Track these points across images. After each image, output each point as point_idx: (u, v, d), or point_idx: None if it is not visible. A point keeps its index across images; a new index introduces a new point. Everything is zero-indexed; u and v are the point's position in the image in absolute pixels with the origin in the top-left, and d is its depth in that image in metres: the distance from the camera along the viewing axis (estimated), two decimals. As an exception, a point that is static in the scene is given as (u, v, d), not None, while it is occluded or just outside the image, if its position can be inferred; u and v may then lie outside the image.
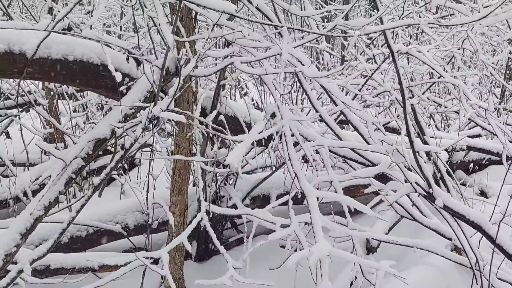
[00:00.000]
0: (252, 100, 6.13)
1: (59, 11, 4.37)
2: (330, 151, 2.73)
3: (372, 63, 4.02)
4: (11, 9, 4.85)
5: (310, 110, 4.41)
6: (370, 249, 3.01)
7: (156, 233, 3.24)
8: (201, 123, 2.35)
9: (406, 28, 4.68)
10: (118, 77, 1.74)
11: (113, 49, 2.53)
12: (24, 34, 1.96)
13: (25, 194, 3.56)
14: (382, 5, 3.00)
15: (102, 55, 2.23)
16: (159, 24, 2.87)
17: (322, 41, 3.50)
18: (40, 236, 2.73)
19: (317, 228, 1.82)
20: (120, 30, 4.52)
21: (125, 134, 1.98)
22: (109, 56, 1.73)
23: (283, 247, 3.07)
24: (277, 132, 2.11)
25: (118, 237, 3.12)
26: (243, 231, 3.51)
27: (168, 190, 3.10)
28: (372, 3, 9.16)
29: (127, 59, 2.16)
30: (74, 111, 4.71)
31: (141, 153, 4.40)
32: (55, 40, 2.08)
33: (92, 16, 4.41)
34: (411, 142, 2.41)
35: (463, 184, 4.26)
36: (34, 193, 3.61)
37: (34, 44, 1.95)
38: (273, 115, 2.57)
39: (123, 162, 2.20)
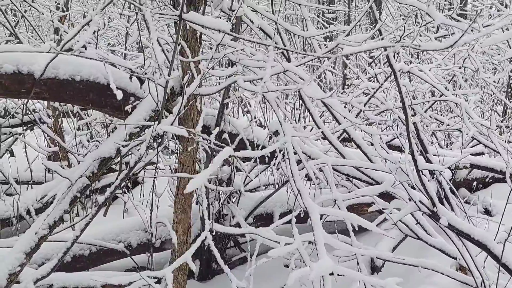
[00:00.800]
0: (255, 117, 6.16)
1: (65, 31, 4.45)
2: (333, 169, 2.74)
3: (374, 82, 4.06)
4: (18, 29, 4.93)
5: (312, 128, 4.43)
6: (374, 268, 2.99)
7: (159, 252, 3.22)
8: (204, 140, 2.36)
9: (408, 47, 4.73)
10: (119, 95, 1.76)
11: (119, 68, 2.57)
12: (32, 55, 2.00)
13: (28, 212, 3.57)
14: (380, 20, 3.05)
15: (108, 75, 2.26)
16: (166, 43, 2.92)
17: (324, 60, 3.54)
18: (43, 255, 2.72)
19: (320, 244, 1.81)
20: (125, 49, 4.58)
21: (130, 152, 2.00)
22: (111, 75, 1.76)
23: (287, 266, 3.06)
24: (280, 150, 2.12)
25: (121, 256, 3.10)
26: (246, 250, 3.49)
27: (171, 208, 3.09)
28: (374, 23, 9.28)
29: (130, 77, 2.19)
30: (78, 129, 4.74)
31: (144, 171, 4.41)
32: (63, 60, 2.12)
33: (97, 36, 4.48)
34: (415, 161, 2.42)
35: (467, 202, 4.24)
36: (37, 211, 3.62)
37: (42, 64, 1.98)
38: (276, 133, 2.59)
39: (127, 180, 2.21)
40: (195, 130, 1.90)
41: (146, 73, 1.96)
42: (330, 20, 7.22)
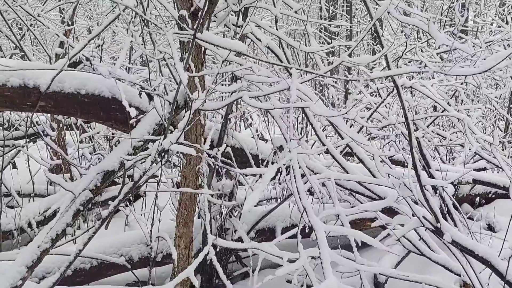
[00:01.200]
0: (257, 130, 6.18)
1: (70, 45, 4.49)
2: (336, 184, 2.74)
3: (376, 97, 4.07)
4: (23, 42, 4.98)
5: (315, 142, 4.43)
6: (377, 285, 2.96)
7: (161, 266, 3.20)
8: (208, 155, 2.37)
9: (409, 62, 4.76)
10: (133, 112, 1.77)
11: (123, 82, 2.59)
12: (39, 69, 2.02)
13: (29, 225, 3.55)
14: (384, 37, 3.07)
15: (113, 89, 2.28)
16: (170, 58, 2.94)
17: (326, 76, 3.56)
18: (44, 268, 2.70)
19: (326, 263, 1.80)
20: (129, 63, 4.62)
21: (133, 166, 2.00)
22: (122, 92, 1.76)
23: (289, 281, 3.03)
24: (284, 165, 2.12)
25: (122, 270, 3.08)
26: (248, 265, 3.46)
27: (172, 222, 3.08)
28: (375, 39, 9.36)
29: (140, 94, 2.20)
30: (81, 142, 4.75)
31: (146, 185, 4.40)
32: (68, 74, 2.14)
33: (101, 50, 4.52)
34: (418, 176, 2.42)
35: (470, 218, 4.22)
36: (39, 224, 3.60)
37: (48, 78, 2.00)
38: (280, 148, 2.59)
39: (130, 194, 2.21)
40: (202, 147, 1.91)
41: (155, 89, 1.97)
42: (332, 35, 7.28)
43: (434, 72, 2.03)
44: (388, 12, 1.98)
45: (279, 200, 3.61)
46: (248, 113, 5.45)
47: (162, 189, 2.87)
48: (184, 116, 2.22)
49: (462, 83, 3.95)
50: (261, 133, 6.53)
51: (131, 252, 3.10)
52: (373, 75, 1.95)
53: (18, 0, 4.38)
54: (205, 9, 1.75)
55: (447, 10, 7.08)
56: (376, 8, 2.27)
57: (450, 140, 4.45)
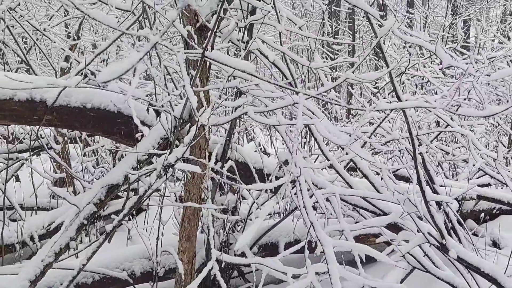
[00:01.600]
0: (259, 145, 6.19)
1: (75, 59, 4.54)
2: (340, 199, 2.73)
3: (379, 112, 4.08)
4: (29, 57, 5.03)
5: (318, 156, 4.44)
6: (382, 301, 2.92)
7: (162, 281, 3.17)
8: (212, 170, 2.37)
9: (412, 77, 4.79)
10: (145, 131, 1.75)
11: (125, 94, 2.61)
12: (45, 83, 2.04)
13: (31, 239, 3.54)
14: (387, 53, 3.09)
15: (118, 103, 2.30)
16: (174, 72, 2.97)
17: (330, 91, 3.58)
18: (46, 282, 2.67)
19: (334, 279, 1.78)
20: (133, 76, 4.65)
21: (138, 180, 2.00)
22: (133, 109, 1.76)
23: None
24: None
25: (124, 285, 3.05)
26: (250, 280, 3.43)
27: (175, 236, 3.06)
28: (378, 54, 9.43)
29: (147, 110, 2.22)
30: (84, 155, 4.76)
31: (149, 199, 4.40)
32: (75, 89, 2.16)
33: (107, 64, 4.56)
34: (423, 191, 2.41)
35: (475, 234, 4.18)
36: (41, 238, 3.59)
37: (55, 92, 2.02)
38: (285, 162, 2.60)
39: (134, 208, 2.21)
40: (207, 162, 1.91)
41: (163, 106, 1.99)
42: (334, 51, 7.33)
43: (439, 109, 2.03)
44: (392, 31, 2.00)
45: (282, 215, 3.59)
46: (251, 127, 5.48)
47: (165, 203, 2.87)
48: (188, 130, 2.23)
49: (465, 99, 3.97)
50: (263, 147, 6.53)
51: (133, 267, 3.08)
52: (379, 107, 1.96)
53: (25, 15, 4.44)
54: (214, 29, 1.77)
55: (448, 26, 7.14)
56: (380, 27, 2.30)
57: (454, 155, 4.44)
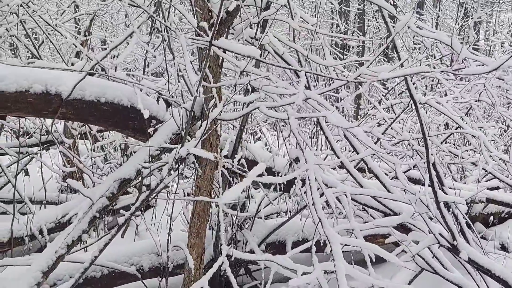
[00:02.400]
0: (266, 144, 6.19)
1: (86, 55, 4.56)
2: (351, 198, 2.72)
3: (389, 112, 4.07)
4: (40, 52, 5.07)
5: (327, 155, 4.42)
6: (390, 302, 2.91)
7: (171, 277, 3.18)
8: (223, 166, 2.38)
9: (423, 79, 4.76)
10: (146, 114, 1.78)
11: (140, 90, 2.61)
12: (61, 76, 2.05)
13: (40, 232, 3.56)
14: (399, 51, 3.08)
15: (132, 98, 2.31)
16: (185, 69, 2.97)
17: (341, 90, 3.58)
18: (55, 275, 2.69)
19: (340, 275, 1.78)
20: (143, 73, 4.67)
21: (151, 174, 2.01)
22: (140, 98, 1.78)
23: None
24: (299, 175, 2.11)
25: (132, 280, 3.06)
26: (257, 278, 3.43)
27: (183, 232, 3.07)
28: (387, 55, 9.40)
29: (158, 100, 2.22)
30: (93, 150, 4.78)
31: (157, 195, 4.41)
32: (89, 82, 2.17)
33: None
34: (435, 192, 2.40)
35: (483, 238, 4.16)
36: (50, 231, 3.61)
37: (70, 85, 2.03)
38: (296, 159, 2.59)
39: (146, 202, 2.22)
40: (220, 154, 1.92)
41: (173, 96, 1.99)
42: (344, 50, 7.32)
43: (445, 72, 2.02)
44: (409, 27, 2.00)
45: (289, 214, 3.58)
46: (258, 126, 5.48)
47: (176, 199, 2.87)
48: (200, 125, 2.23)
49: (476, 101, 3.95)
50: (270, 146, 6.52)
51: (142, 262, 3.09)
52: (381, 76, 1.94)
53: (37, 10, 4.47)
54: (220, 15, 1.77)
55: (459, 29, 7.10)
56: (394, 25, 2.29)
57: (462, 158, 4.41)
